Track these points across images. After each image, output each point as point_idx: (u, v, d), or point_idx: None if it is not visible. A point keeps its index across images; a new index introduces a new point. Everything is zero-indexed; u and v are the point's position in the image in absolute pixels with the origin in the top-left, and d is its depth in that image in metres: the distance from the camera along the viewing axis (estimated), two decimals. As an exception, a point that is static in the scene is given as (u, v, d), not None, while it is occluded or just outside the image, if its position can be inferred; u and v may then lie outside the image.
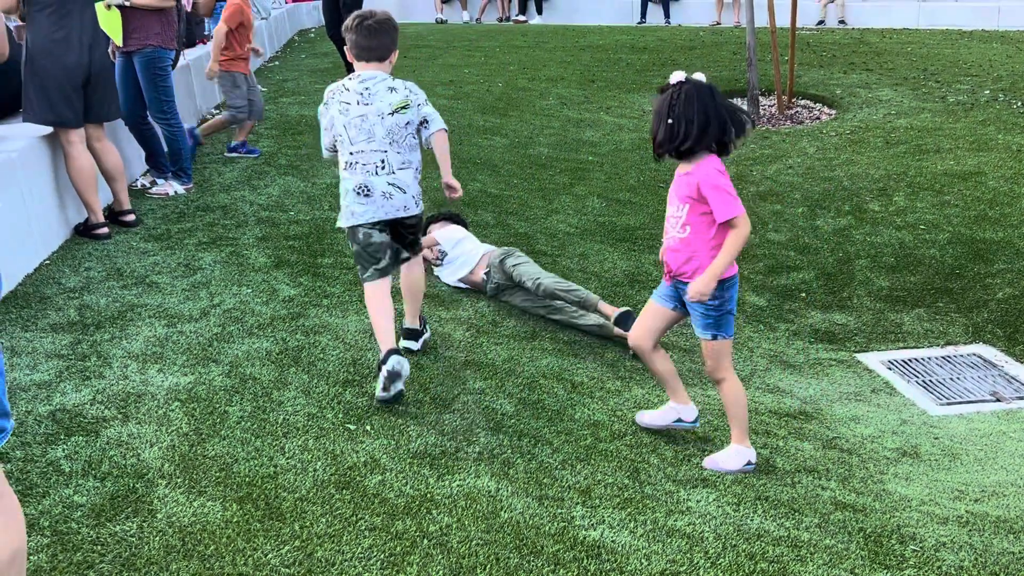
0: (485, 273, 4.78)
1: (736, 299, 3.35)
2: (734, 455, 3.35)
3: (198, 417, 3.23)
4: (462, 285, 4.91)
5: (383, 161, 3.59)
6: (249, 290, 4.40)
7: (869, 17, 15.62)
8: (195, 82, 7.93)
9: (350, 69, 11.06)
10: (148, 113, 5.71)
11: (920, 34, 14.07)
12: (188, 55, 8.14)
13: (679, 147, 3.19)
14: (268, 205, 5.71)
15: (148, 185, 5.94)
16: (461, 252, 4.96)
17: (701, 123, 3.15)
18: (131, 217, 5.22)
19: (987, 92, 9.71)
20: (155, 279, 4.48)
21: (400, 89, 3.65)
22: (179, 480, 2.85)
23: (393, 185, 3.61)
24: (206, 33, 9.15)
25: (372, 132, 3.57)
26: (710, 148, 3.22)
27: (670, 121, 3.18)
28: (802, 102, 10.10)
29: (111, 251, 4.82)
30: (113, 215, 5.21)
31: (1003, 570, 2.71)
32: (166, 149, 5.83)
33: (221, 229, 5.24)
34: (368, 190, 3.58)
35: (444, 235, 5.05)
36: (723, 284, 3.21)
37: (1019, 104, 9.23)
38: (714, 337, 3.30)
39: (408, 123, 3.65)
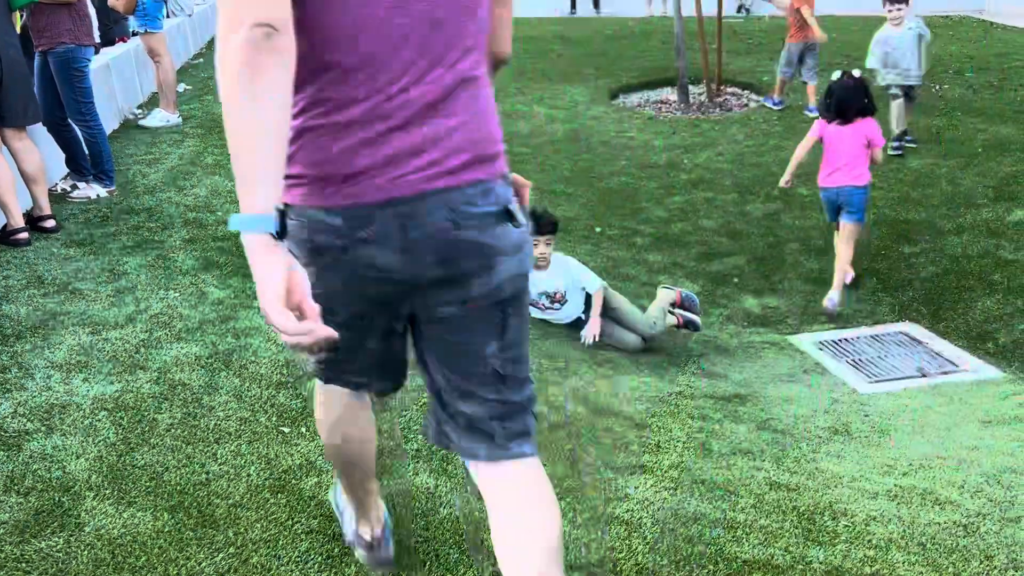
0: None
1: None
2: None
3: (126, 426, 3.14)
4: None
5: None
6: (177, 294, 4.30)
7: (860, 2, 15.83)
8: (116, 82, 7.71)
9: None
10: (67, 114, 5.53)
11: (842, 20, 14.39)
12: (107, 53, 7.92)
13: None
14: (195, 206, 5.58)
15: (69, 189, 5.76)
16: None
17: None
18: (51, 223, 5.06)
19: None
20: (78, 286, 4.35)
21: None
22: (107, 491, 2.77)
23: None
24: (127, 31, 8.90)
25: None
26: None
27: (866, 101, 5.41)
28: (731, 90, 10.25)
29: (31, 258, 4.66)
30: (32, 220, 5.03)
31: (930, 540, 2.79)
32: (87, 152, 5.66)
33: (146, 232, 5.11)
34: None
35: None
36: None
37: (938, 88, 9.51)
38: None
39: None
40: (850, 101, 5.35)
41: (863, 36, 12.72)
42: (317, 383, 2.03)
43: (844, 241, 5.46)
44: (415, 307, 1.71)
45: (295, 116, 1.55)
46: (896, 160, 7.41)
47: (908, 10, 7.79)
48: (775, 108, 9.24)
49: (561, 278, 4.62)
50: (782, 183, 5.77)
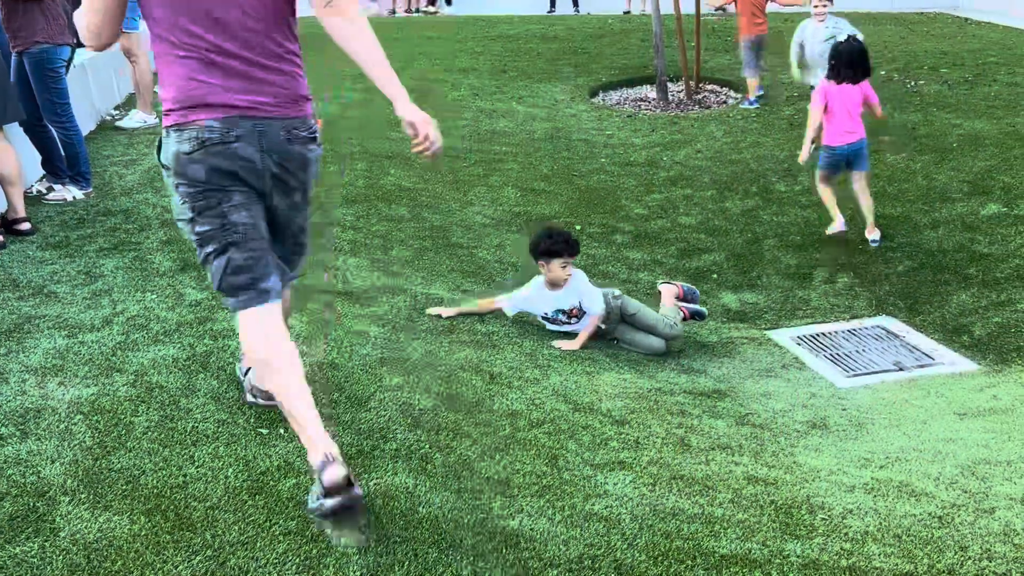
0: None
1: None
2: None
3: (102, 430, 3.12)
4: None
5: None
6: (154, 296, 4.27)
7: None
8: (92, 82, 7.65)
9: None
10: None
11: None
12: (83, 54, 7.85)
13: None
14: (172, 207, 5.54)
15: (44, 191, 5.71)
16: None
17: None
18: (26, 225, 5.02)
19: (883, 72, 10.05)
20: (54, 288, 4.31)
21: None
22: (83, 496, 2.75)
23: None
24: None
25: None
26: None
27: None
28: (709, 87, 10.29)
29: (5, 261, 4.62)
30: (7, 223, 4.99)
31: (905, 532, 2.82)
32: (63, 153, 5.61)
33: (123, 234, 5.08)
34: None
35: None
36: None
37: (913, 84, 9.59)
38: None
39: None
40: (861, 62, 5.87)
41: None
42: (239, 317, 2.70)
43: (862, 190, 6.11)
44: (265, 188, 2.69)
45: None
46: (873, 155, 7.45)
47: (830, 6, 8.06)
48: (753, 107, 9.29)
49: (575, 295, 4.63)
50: (802, 159, 6.17)
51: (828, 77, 6.00)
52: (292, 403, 2.60)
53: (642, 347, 4.75)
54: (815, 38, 7.99)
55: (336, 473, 2.43)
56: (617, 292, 4.84)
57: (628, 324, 4.77)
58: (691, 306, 5.06)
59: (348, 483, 2.44)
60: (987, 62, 10.42)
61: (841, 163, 6.07)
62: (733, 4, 9.49)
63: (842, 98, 5.89)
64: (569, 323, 4.66)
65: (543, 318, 4.72)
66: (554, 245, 4.52)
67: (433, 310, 4.56)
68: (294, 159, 2.71)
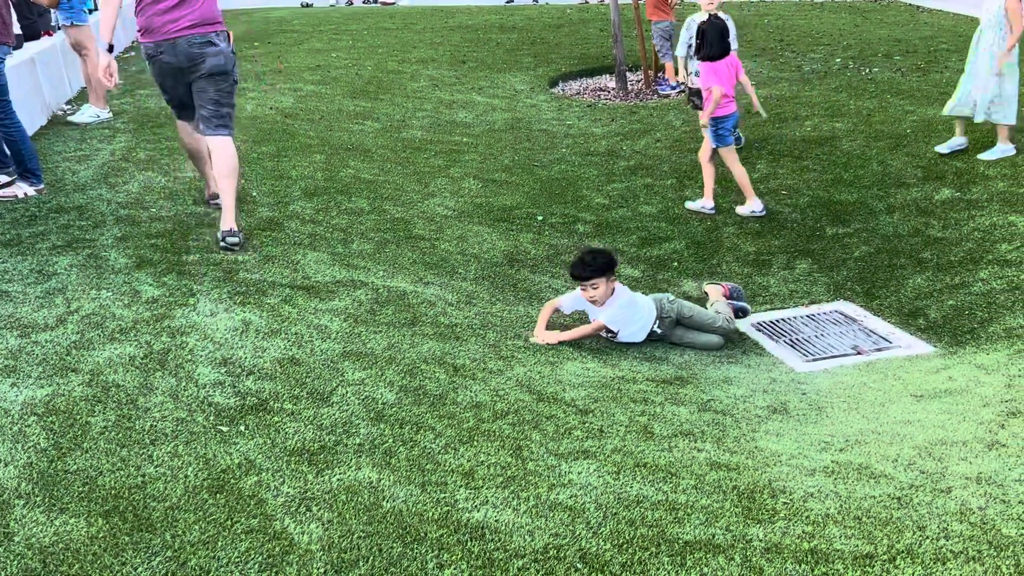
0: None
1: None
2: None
3: (57, 431, 3.06)
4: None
5: None
6: (109, 293, 4.19)
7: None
8: (42, 77, 7.47)
9: None
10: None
11: (776, 6, 14.61)
12: (32, 48, 7.67)
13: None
14: (127, 203, 5.45)
15: (-7, 188, 5.57)
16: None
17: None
18: (-25, 223, 4.89)
19: (838, 60, 10.18)
20: (5, 288, 4.21)
21: None
22: (38, 499, 2.69)
23: None
24: (52, 24, 8.63)
25: None
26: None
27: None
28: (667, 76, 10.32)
29: (-46, 261, 4.50)
30: (-46, 222, 4.86)
31: (865, 514, 2.86)
32: (7, 152, 5.48)
33: (77, 231, 4.97)
34: None
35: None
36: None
37: (867, 71, 9.71)
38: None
39: None
40: (724, 38, 6.35)
41: (806, 22, 12.93)
42: (177, 122, 5.16)
43: (712, 162, 6.59)
44: (187, 78, 4.78)
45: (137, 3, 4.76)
46: (829, 142, 7.55)
47: None
48: (674, 92, 9.46)
49: (607, 312, 4.69)
50: (703, 119, 6.49)
51: (701, 57, 6.39)
52: (218, 184, 4.93)
53: (699, 344, 4.87)
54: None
55: (231, 236, 4.81)
56: (671, 296, 4.97)
57: (684, 326, 4.90)
58: (737, 303, 5.21)
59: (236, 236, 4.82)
60: (939, 49, 10.58)
61: (734, 127, 6.55)
62: None
63: (724, 69, 6.33)
64: (612, 338, 4.77)
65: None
66: (572, 270, 4.68)
67: (540, 338, 4.55)
68: (195, 58, 4.76)
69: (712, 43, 6.28)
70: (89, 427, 3.09)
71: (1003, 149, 6.66)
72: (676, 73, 9.67)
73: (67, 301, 4.09)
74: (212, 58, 4.72)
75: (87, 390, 3.34)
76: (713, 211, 6.60)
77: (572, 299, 4.81)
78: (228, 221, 4.77)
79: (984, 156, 6.68)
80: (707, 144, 6.54)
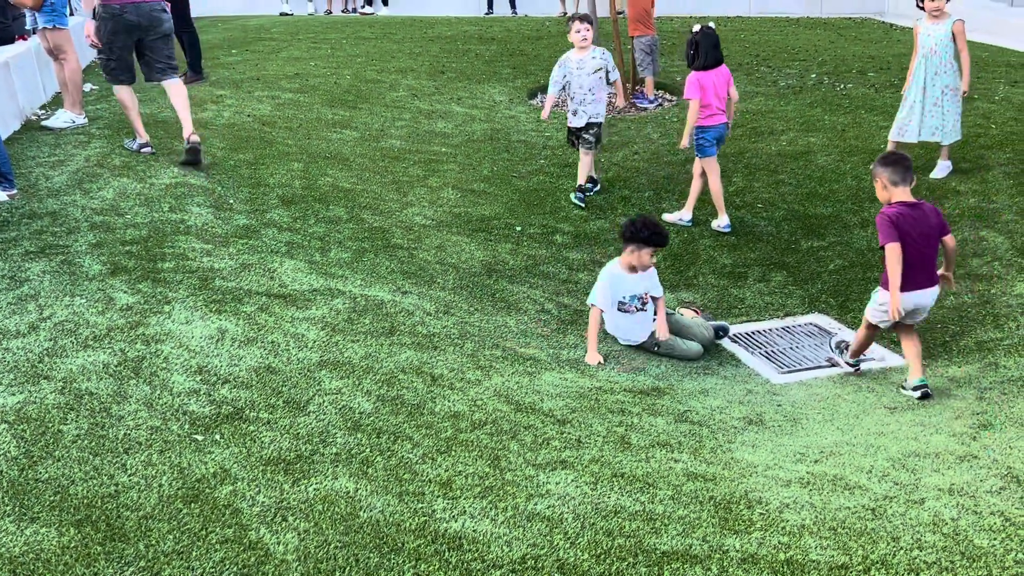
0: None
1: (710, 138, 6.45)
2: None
3: (28, 439, 3.01)
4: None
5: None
6: (83, 300, 4.15)
7: (702, 6, 16.24)
8: (17, 81, 7.39)
9: (192, 63, 10.77)
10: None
11: (752, 21, 14.78)
12: (6, 51, 7.59)
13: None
14: (102, 209, 5.39)
15: (-35, 193, 5.50)
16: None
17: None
18: (-55, 228, 4.84)
19: (814, 76, 10.30)
20: (-25, 294, 4.15)
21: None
22: (8, 508, 2.65)
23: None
24: (28, 28, 8.53)
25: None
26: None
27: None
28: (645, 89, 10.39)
29: (-77, 266, 4.43)
30: (-76, 227, 4.80)
31: (840, 525, 2.88)
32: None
33: (50, 237, 4.91)
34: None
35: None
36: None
37: (842, 87, 9.84)
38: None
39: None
40: (717, 48, 6.37)
41: (782, 38, 13.08)
42: (119, 86, 6.40)
43: (700, 175, 6.62)
44: (143, 36, 6.27)
45: None
46: (804, 157, 7.63)
47: (592, 34, 6.95)
48: (651, 106, 9.55)
49: (648, 279, 5.06)
50: (683, 145, 6.56)
51: (696, 67, 6.36)
52: (178, 112, 6.44)
53: (679, 352, 4.98)
54: (581, 69, 6.86)
55: (194, 135, 6.29)
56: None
57: (672, 333, 5.07)
58: (715, 323, 5.28)
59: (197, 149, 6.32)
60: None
61: (717, 140, 6.47)
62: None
63: (713, 81, 6.35)
64: (643, 310, 5.01)
65: (618, 309, 4.98)
66: (654, 236, 4.94)
67: (595, 360, 4.74)
68: (154, 21, 6.23)
69: (707, 52, 6.31)
70: (61, 435, 3.05)
71: (946, 166, 6.88)
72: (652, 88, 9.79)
73: (40, 308, 4.04)
74: (166, 23, 6.36)
75: (59, 398, 3.29)
76: (690, 223, 6.64)
77: (607, 296, 4.95)
78: (189, 129, 6.40)
79: (936, 175, 6.86)
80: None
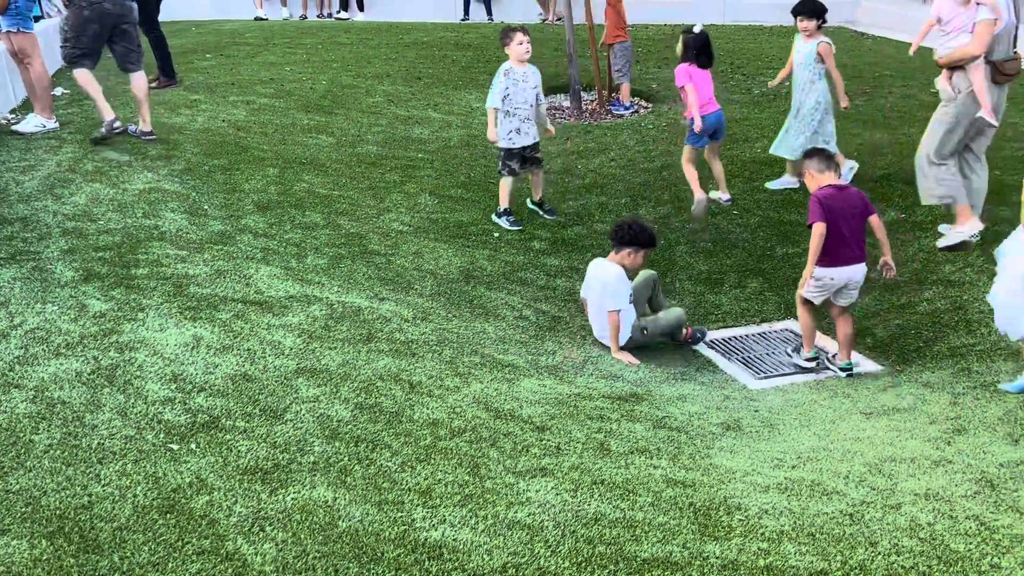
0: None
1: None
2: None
3: (-1, 449, 2.96)
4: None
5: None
6: (55, 307, 4.08)
7: (675, 15, 16.33)
8: (-16, 84, 7.28)
9: (163, 66, 10.69)
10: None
11: (727, 29, 14.89)
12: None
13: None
14: (74, 215, 5.32)
15: (-68, 198, 5.41)
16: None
17: None
18: (-87, 234, 4.76)
19: (787, 84, 10.39)
20: (-56, 301, 4.08)
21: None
22: (-22, 520, 2.59)
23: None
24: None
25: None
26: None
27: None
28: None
29: None
30: None
31: (819, 530, 2.90)
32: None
33: (20, 243, 4.84)
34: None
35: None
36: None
37: (816, 95, 9.92)
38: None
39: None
40: (710, 47, 6.80)
41: (756, 46, 13.19)
42: (81, 69, 6.81)
43: (718, 157, 6.99)
44: (116, 23, 6.83)
45: None
46: (779, 164, 7.70)
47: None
48: (627, 113, 9.63)
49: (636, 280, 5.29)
50: (697, 127, 6.61)
51: (700, 64, 6.67)
52: (139, 102, 7.01)
53: (664, 324, 5.17)
54: (526, 82, 6.60)
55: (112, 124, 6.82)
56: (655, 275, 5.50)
57: (651, 306, 5.36)
58: (694, 329, 5.38)
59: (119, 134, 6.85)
60: (883, 75, 10.86)
61: (711, 130, 6.70)
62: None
63: (704, 77, 6.69)
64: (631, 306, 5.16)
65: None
66: (653, 239, 5.19)
67: (627, 359, 4.95)
68: (127, 11, 6.82)
69: (711, 54, 6.80)
70: (33, 445, 3.00)
71: (788, 181, 7.21)
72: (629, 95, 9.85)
73: (10, 315, 3.98)
74: (135, 11, 7.01)
75: (31, 407, 3.24)
76: (729, 202, 6.96)
77: (615, 292, 5.04)
78: (144, 121, 7.04)
79: (773, 185, 7.24)
80: (707, 147, 6.87)
